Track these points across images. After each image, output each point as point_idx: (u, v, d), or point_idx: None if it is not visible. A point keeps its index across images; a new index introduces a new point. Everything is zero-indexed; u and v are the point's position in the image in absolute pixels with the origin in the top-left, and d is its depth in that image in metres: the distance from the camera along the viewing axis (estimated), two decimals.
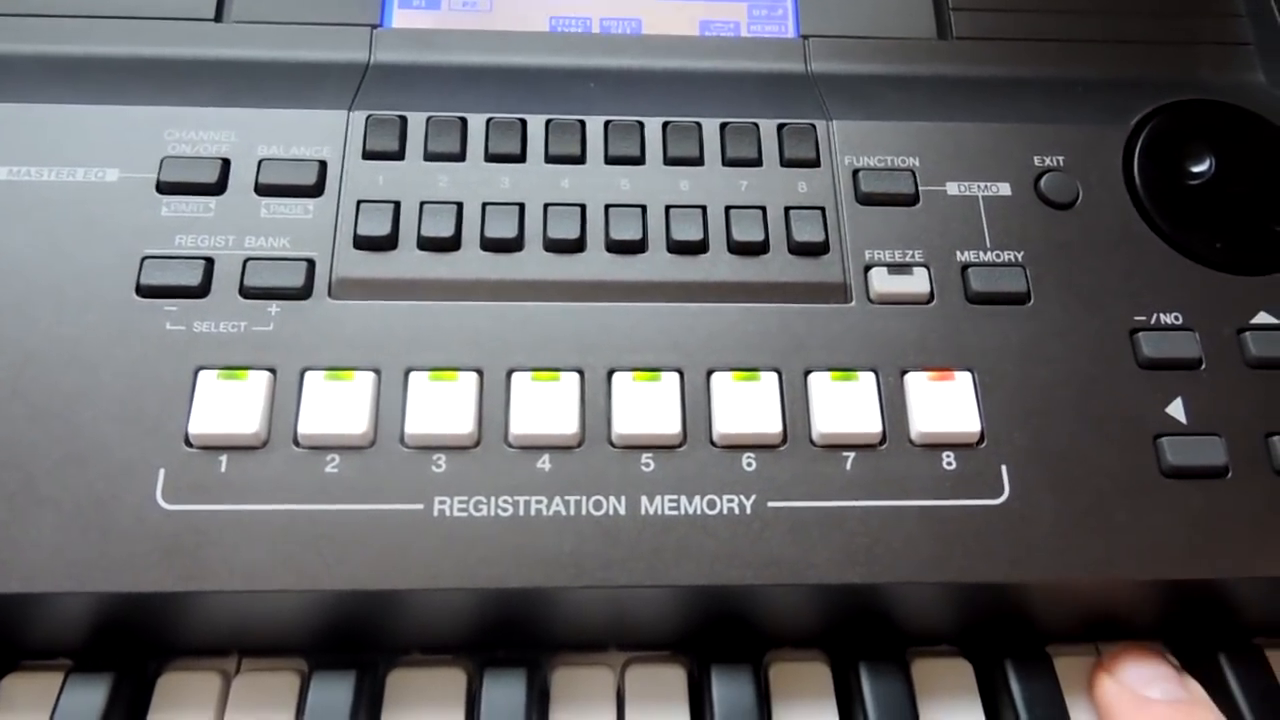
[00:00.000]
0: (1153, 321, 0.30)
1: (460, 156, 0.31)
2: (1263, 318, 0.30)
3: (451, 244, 0.29)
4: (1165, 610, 0.29)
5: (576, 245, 0.30)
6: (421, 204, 0.30)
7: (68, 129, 0.30)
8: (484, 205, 0.30)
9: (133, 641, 0.28)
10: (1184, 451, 0.28)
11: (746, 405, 0.28)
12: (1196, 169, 0.33)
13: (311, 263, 0.29)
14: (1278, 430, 0.29)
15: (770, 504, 0.27)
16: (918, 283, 0.30)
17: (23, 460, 0.26)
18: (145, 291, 0.28)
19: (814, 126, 0.32)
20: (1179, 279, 0.31)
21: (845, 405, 0.28)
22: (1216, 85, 0.35)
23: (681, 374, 0.28)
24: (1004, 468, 0.28)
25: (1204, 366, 0.29)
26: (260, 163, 0.30)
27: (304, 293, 0.28)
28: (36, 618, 0.27)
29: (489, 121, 0.31)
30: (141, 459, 0.26)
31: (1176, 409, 0.29)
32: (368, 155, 0.31)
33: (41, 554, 0.25)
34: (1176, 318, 0.30)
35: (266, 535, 0.26)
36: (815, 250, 0.30)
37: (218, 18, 0.34)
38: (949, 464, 0.28)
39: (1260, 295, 0.31)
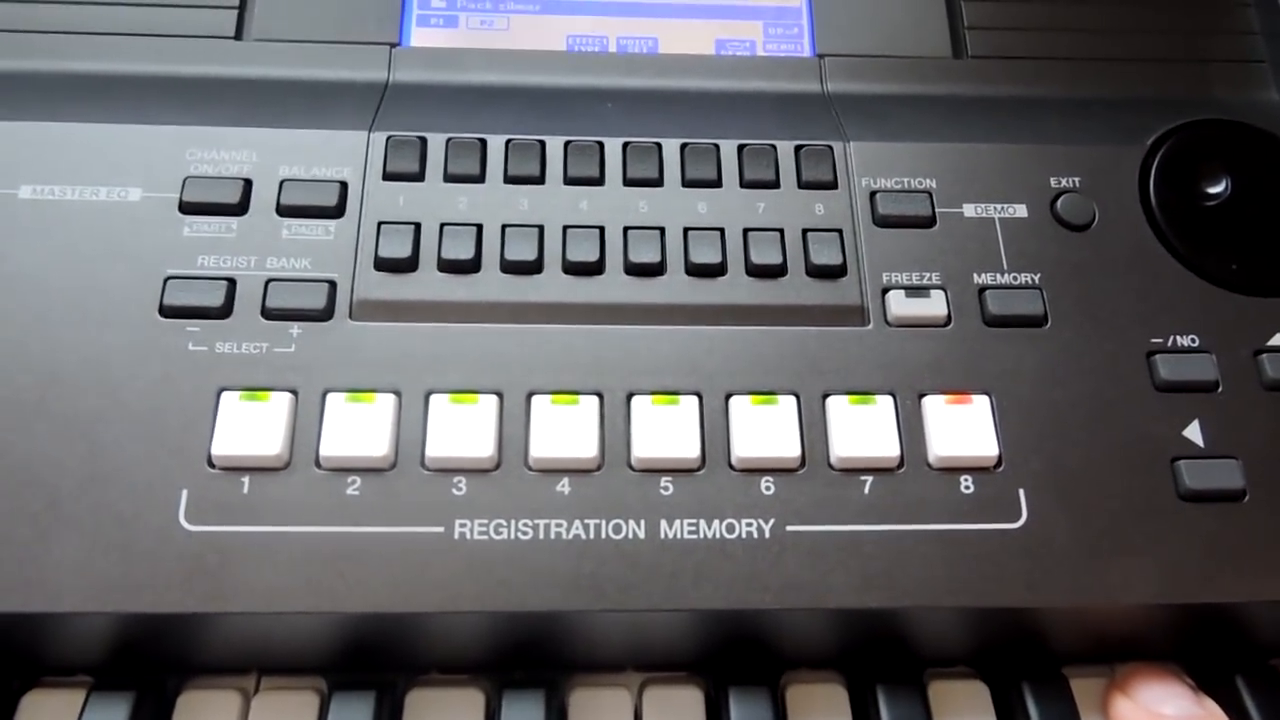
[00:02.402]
0: (1169, 344, 0.30)
1: (480, 178, 0.31)
2: (1279, 339, 0.30)
3: (471, 266, 0.29)
4: (1182, 633, 0.29)
5: (596, 267, 0.30)
6: (442, 225, 0.30)
7: (91, 148, 0.30)
8: (503, 227, 0.30)
9: (153, 660, 0.28)
10: (1201, 475, 0.28)
11: (765, 429, 0.28)
12: (1212, 190, 0.33)
13: (333, 284, 0.29)
14: None
15: (789, 528, 0.27)
16: (935, 305, 0.30)
17: (47, 479, 0.26)
18: (168, 312, 0.28)
19: (831, 148, 0.32)
20: (1196, 300, 0.31)
21: (863, 429, 0.28)
22: (1231, 104, 0.35)
23: (700, 397, 0.28)
24: (1022, 491, 0.28)
25: (1221, 389, 0.29)
26: (282, 183, 0.30)
27: (325, 314, 0.29)
28: (59, 636, 0.27)
29: (508, 143, 0.31)
30: (164, 479, 0.27)
31: (1194, 432, 0.29)
32: (388, 176, 0.31)
33: (65, 573, 0.26)
34: (1193, 340, 0.30)
35: (288, 557, 0.26)
36: (833, 273, 0.30)
37: (238, 36, 0.34)
38: (967, 488, 0.28)
39: (1277, 317, 0.31)
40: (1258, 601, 0.28)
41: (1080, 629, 0.29)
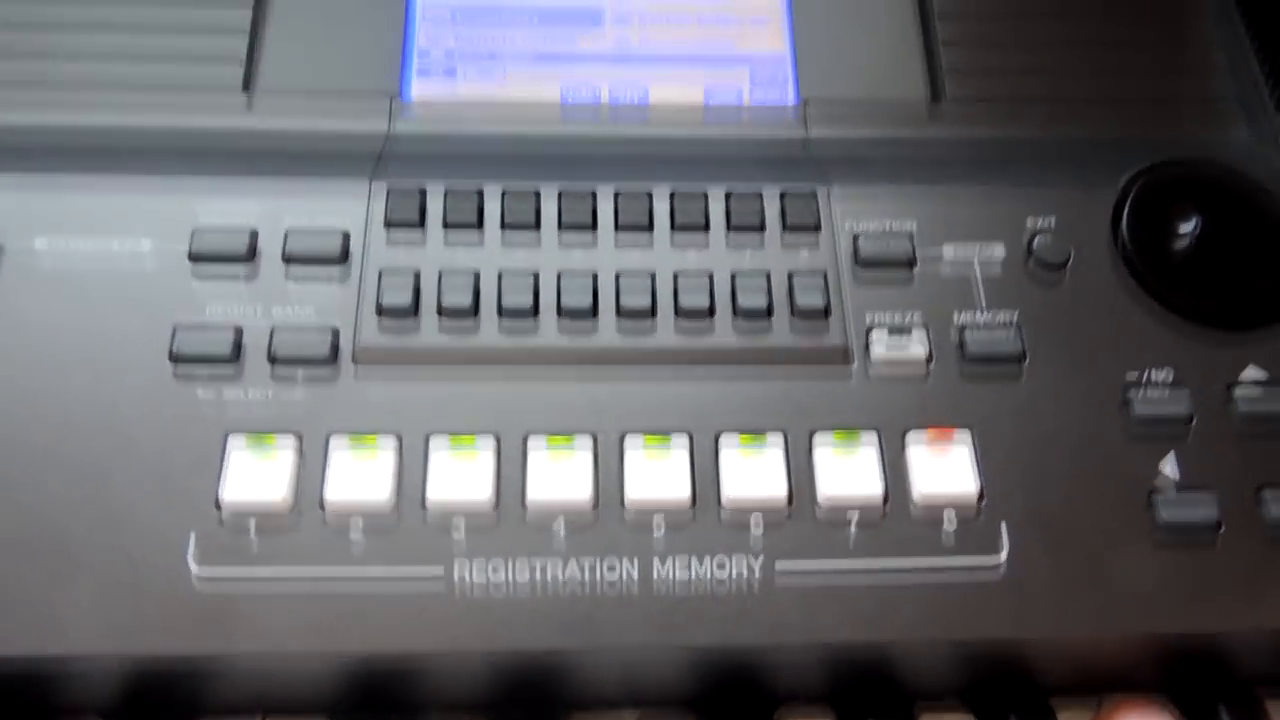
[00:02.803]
0: (1144, 379, 0.31)
1: (477, 227, 0.32)
2: (1252, 373, 0.31)
3: (469, 313, 0.31)
4: (1165, 663, 0.30)
5: (589, 313, 0.31)
6: (441, 273, 0.31)
7: (104, 200, 0.32)
8: (500, 274, 0.31)
9: (161, 701, 0.29)
10: (1177, 508, 0.29)
11: (753, 469, 0.29)
12: (1183, 228, 0.34)
13: (336, 332, 0.30)
14: (1269, 484, 0.30)
15: (778, 565, 0.28)
16: (916, 345, 0.31)
17: (59, 524, 0.27)
18: (177, 359, 0.29)
19: (814, 193, 0.33)
20: (1169, 337, 0.32)
21: (849, 468, 0.29)
22: (1201, 143, 0.36)
23: (691, 438, 0.29)
24: (1003, 527, 0.29)
25: (1195, 423, 0.30)
26: (287, 233, 0.31)
27: (329, 361, 0.30)
28: (68, 677, 0.28)
29: (504, 193, 0.33)
30: (173, 523, 0.28)
31: (1169, 465, 0.30)
32: (389, 225, 0.32)
33: (75, 616, 0.27)
34: (1168, 375, 0.31)
35: (292, 599, 0.27)
36: (818, 315, 0.31)
37: (245, 87, 0.35)
38: (949, 524, 0.29)
39: (1249, 351, 0.32)
40: (1236, 631, 0.29)
41: (1065, 661, 0.30)
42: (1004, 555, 0.28)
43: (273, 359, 0.30)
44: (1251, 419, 0.31)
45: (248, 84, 0.35)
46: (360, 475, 0.28)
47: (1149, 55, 0.38)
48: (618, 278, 0.31)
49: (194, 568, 0.27)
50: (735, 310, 0.31)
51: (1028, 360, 0.31)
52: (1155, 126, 0.37)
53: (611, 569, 0.28)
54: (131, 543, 0.27)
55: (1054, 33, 0.38)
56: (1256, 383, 0.31)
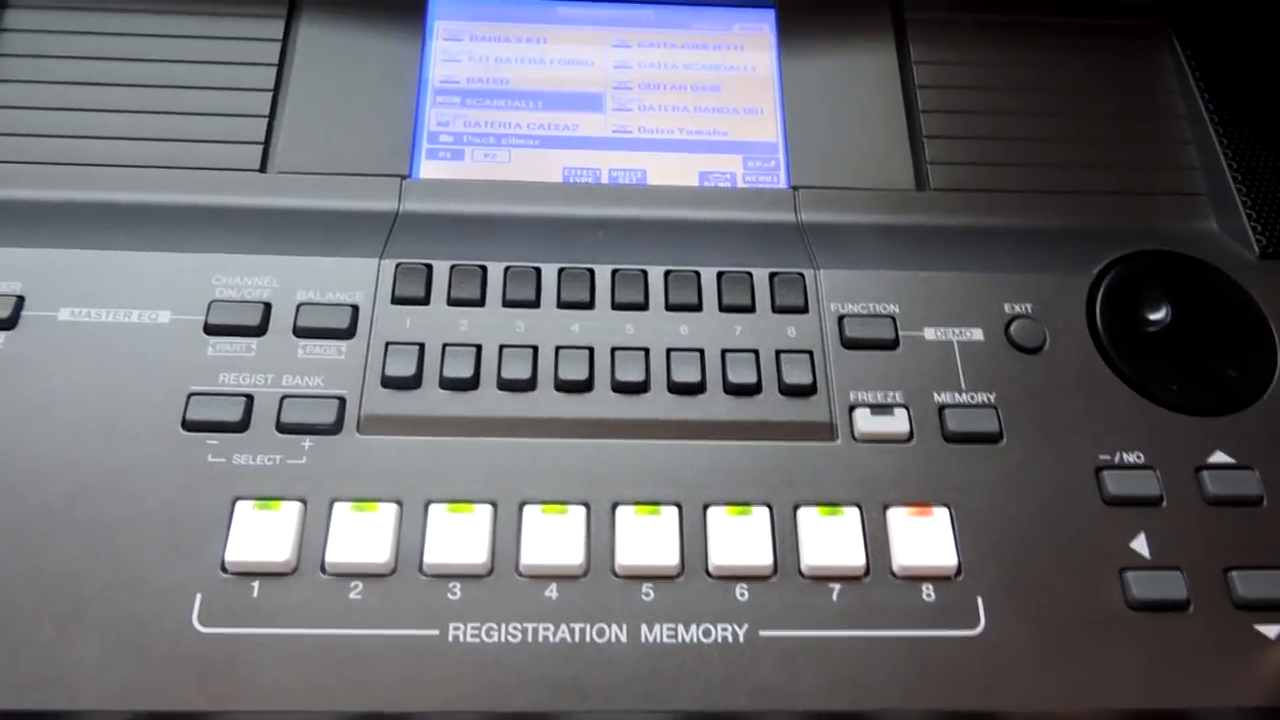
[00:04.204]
0: (1116, 460, 0.32)
1: (480, 302, 0.34)
2: (1219, 457, 0.33)
3: (470, 384, 0.32)
4: None
5: (585, 386, 0.32)
6: (444, 346, 0.33)
7: (126, 274, 0.33)
8: (501, 347, 0.33)
9: None
10: (1147, 585, 0.30)
11: (740, 539, 0.30)
12: (1154, 316, 0.35)
13: (342, 400, 0.32)
14: (1236, 565, 0.31)
15: (761, 633, 0.29)
16: (898, 423, 0.32)
17: (71, 584, 0.28)
18: (190, 426, 0.31)
19: (802, 275, 0.35)
20: (1140, 420, 0.33)
21: (831, 539, 0.30)
22: (1172, 234, 0.38)
23: (680, 508, 0.31)
24: (980, 600, 0.30)
25: (1165, 503, 0.32)
26: (299, 307, 0.33)
27: (335, 428, 0.31)
28: None
29: (507, 270, 0.34)
30: (180, 584, 0.29)
31: (1140, 544, 0.31)
32: (396, 300, 0.33)
33: (85, 673, 0.27)
34: (1138, 457, 0.32)
35: (294, 658, 0.28)
36: (804, 391, 0.33)
37: (262, 168, 0.37)
38: (928, 596, 0.30)
39: (1216, 436, 0.33)
40: (1207, 707, 0.29)
41: None
42: (980, 628, 0.29)
43: (281, 426, 0.31)
44: (1218, 500, 0.32)
45: (265, 165, 0.37)
46: (361, 538, 0.29)
47: (1123, 151, 0.40)
48: (613, 352, 0.33)
49: (198, 627, 0.28)
50: (725, 386, 0.33)
51: (1005, 439, 0.32)
52: (1128, 218, 0.39)
53: (601, 633, 0.29)
54: (139, 602, 0.28)
55: (1033, 128, 0.40)
56: (1223, 466, 0.32)
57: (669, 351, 0.33)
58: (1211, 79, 0.41)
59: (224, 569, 0.29)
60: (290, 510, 0.30)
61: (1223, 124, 0.40)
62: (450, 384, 0.32)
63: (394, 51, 0.40)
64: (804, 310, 0.34)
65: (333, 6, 0.41)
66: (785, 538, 0.30)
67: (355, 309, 0.33)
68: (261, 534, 0.29)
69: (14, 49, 0.39)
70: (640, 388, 0.32)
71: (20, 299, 0.32)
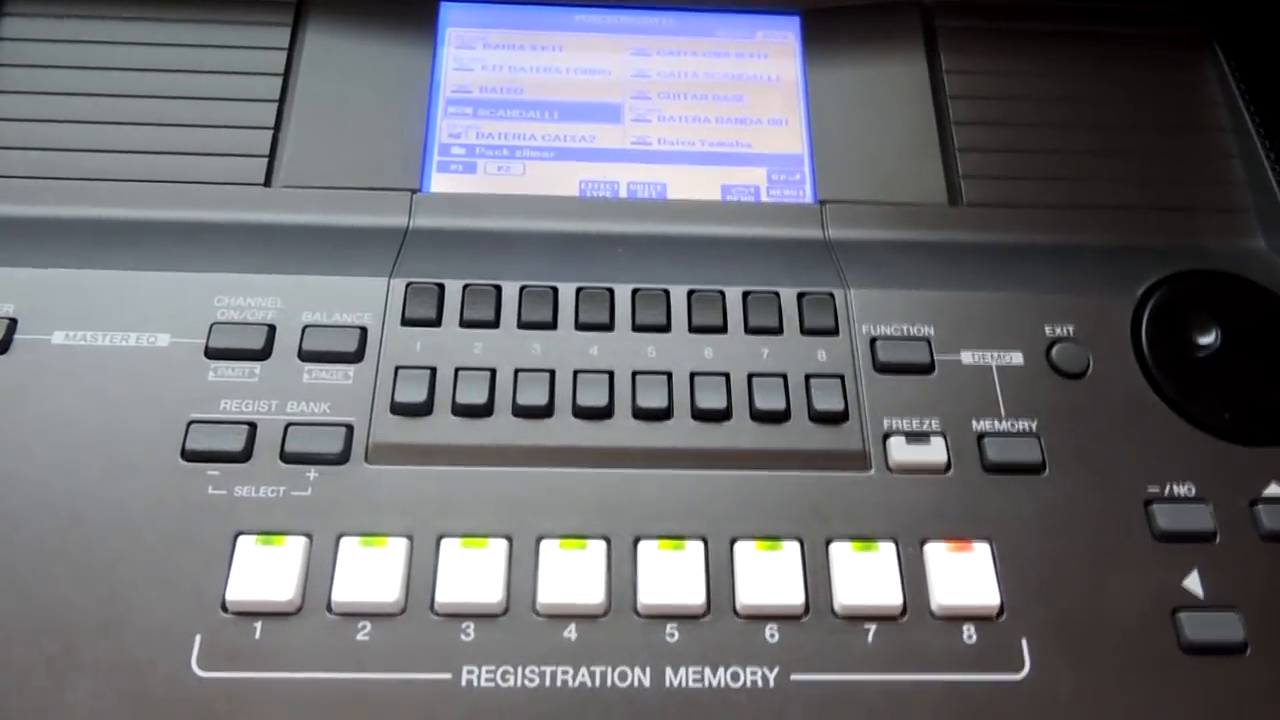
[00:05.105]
0: (1166, 493, 0.31)
1: (494, 324, 0.32)
2: (1274, 489, 0.31)
3: (484, 410, 0.30)
4: None
5: (605, 412, 0.31)
6: (457, 370, 0.31)
7: (123, 295, 0.32)
8: (516, 372, 0.31)
9: None
10: (1202, 627, 0.28)
11: (769, 575, 0.28)
12: (1203, 340, 0.34)
13: (350, 428, 0.30)
14: None
15: (793, 676, 0.27)
16: (935, 452, 0.31)
17: (64, 624, 0.27)
18: (190, 456, 0.29)
19: (832, 295, 0.33)
20: (1190, 449, 0.31)
21: (866, 576, 0.29)
22: (1219, 253, 0.37)
23: (706, 542, 0.29)
24: (1024, 641, 0.28)
25: (1218, 539, 0.30)
26: (304, 329, 0.31)
27: (342, 458, 0.29)
28: None
29: (522, 290, 0.33)
30: (179, 625, 0.27)
31: (1193, 582, 0.29)
32: (406, 322, 0.32)
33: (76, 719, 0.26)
34: (1190, 489, 0.31)
35: (298, 705, 0.26)
36: (835, 418, 0.31)
37: (267, 183, 0.36)
38: (969, 637, 0.28)
39: (1271, 467, 0.31)
40: None
41: None
42: (1025, 672, 0.28)
43: (285, 456, 0.29)
44: (1275, 536, 0.30)
45: (269, 179, 0.36)
46: (370, 575, 0.28)
47: (1166, 165, 0.38)
48: (634, 376, 0.31)
49: (197, 671, 0.26)
50: (752, 412, 0.31)
51: (1048, 470, 0.31)
52: (1172, 235, 0.37)
53: (623, 677, 0.27)
54: (136, 644, 0.27)
55: (1071, 141, 0.39)
56: (1279, 500, 0.31)
57: (693, 376, 0.32)
58: (1257, 90, 0.39)
59: (225, 608, 0.27)
60: (295, 546, 0.28)
61: (1270, 137, 0.39)
62: (463, 410, 0.30)
63: (404, 60, 0.39)
64: (834, 332, 0.33)
65: (340, 14, 0.39)
66: (817, 574, 0.29)
67: (363, 331, 0.32)
68: (264, 571, 0.28)
69: (8, 58, 0.37)
70: (663, 414, 0.31)
71: (12, 322, 0.31)
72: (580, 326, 0.32)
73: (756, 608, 0.28)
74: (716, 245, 0.36)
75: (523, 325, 0.32)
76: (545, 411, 0.31)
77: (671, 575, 0.28)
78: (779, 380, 0.32)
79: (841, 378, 0.32)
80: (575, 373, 0.31)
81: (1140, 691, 0.28)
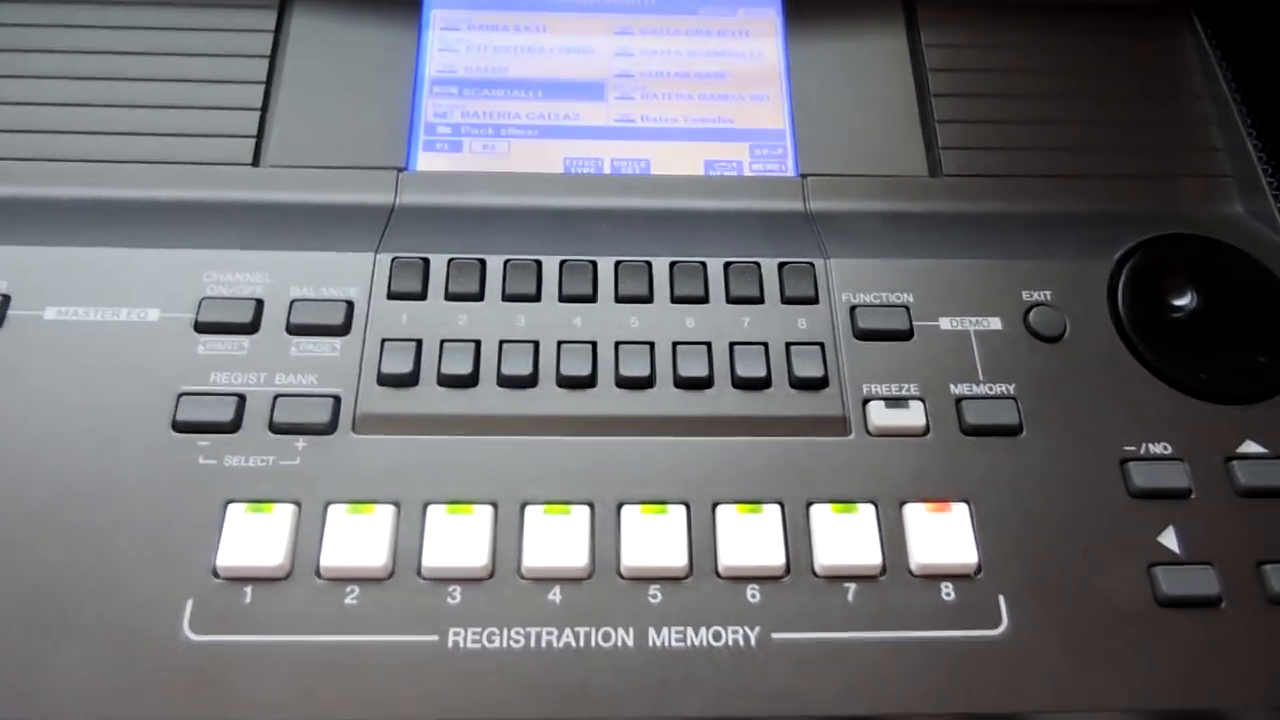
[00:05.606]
0: (1142, 451, 0.31)
1: (479, 296, 0.33)
2: (1249, 447, 0.31)
3: (470, 381, 0.31)
4: None
5: (588, 381, 0.31)
6: (442, 342, 0.32)
7: (114, 271, 0.32)
8: (501, 343, 0.32)
9: None
10: (1177, 581, 0.29)
11: (750, 538, 0.29)
12: (1179, 302, 0.34)
13: (337, 399, 0.30)
14: (1269, 559, 0.29)
15: (774, 635, 0.28)
16: (914, 416, 0.31)
17: (57, 591, 0.27)
18: (180, 427, 0.30)
19: (812, 265, 0.34)
20: (1166, 409, 0.32)
21: (846, 537, 0.29)
22: (1196, 218, 0.37)
23: (688, 507, 0.29)
24: (1002, 598, 0.29)
25: (1194, 496, 0.30)
26: (292, 303, 0.32)
27: (329, 428, 0.30)
28: None
29: (506, 263, 0.33)
30: (170, 591, 0.28)
31: (1169, 538, 0.30)
32: (392, 296, 0.32)
33: (72, 684, 0.26)
34: (1165, 448, 0.31)
35: (288, 666, 0.27)
36: (815, 385, 0.32)
37: (255, 162, 0.36)
38: (948, 595, 0.29)
39: (1246, 424, 0.32)
40: (1239, 706, 0.28)
41: None
42: (1003, 628, 0.28)
43: (274, 426, 0.30)
44: (1250, 492, 0.30)
45: (257, 158, 0.36)
46: (357, 541, 0.28)
47: (1143, 133, 0.39)
48: (617, 346, 0.32)
49: (189, 635, 0.27)
50: (733, 380, 0.32)
51: (1025, 432, 0.31)
52: (1150, 202, 0.38)
53: (606, 638, 0.28)
54: (129, 610, 0.27)
55: (1050, 111, 0.39)
56: (1255, 456, 0.31)
57: (675, 345, 0.32)
58: (1235, 57, 0.40)
59: (215, 574, 0.28)
60: (284, 513, 0.29)
61: (1247, 104, 0.39)
62: (449, 381, 0.31)
63: (389, 41, 0.39)
64: (814, 301, 0.33)
65: None
66: (798, 536, 0.29)
67: (350, 305, 0.32)
68: (254, 538, 0.28)
69: None
70: (645, 383, 0.31)
71: (5, 298, 0.31)
72: (564, 298, 0.33)
73: (738, 569, 0.29)
74: (699, 219, 0.36)
75: (507, 298, 0.33)
76: (530, 381, 0.31)
77: (654, 538, 0.29)
78: (760, 349, 0.32)
79: (821, 345, 0.32)
80: (559, 343, 0.32)
81: (1116, 645, 0.28)
